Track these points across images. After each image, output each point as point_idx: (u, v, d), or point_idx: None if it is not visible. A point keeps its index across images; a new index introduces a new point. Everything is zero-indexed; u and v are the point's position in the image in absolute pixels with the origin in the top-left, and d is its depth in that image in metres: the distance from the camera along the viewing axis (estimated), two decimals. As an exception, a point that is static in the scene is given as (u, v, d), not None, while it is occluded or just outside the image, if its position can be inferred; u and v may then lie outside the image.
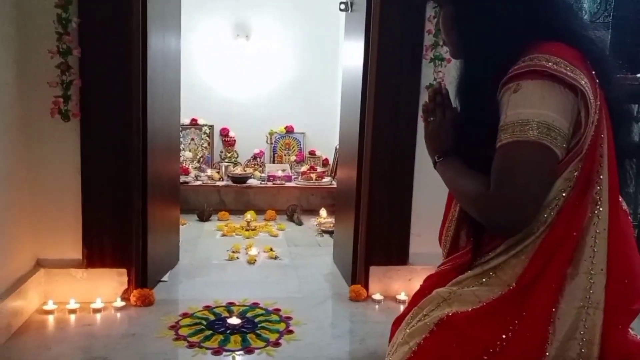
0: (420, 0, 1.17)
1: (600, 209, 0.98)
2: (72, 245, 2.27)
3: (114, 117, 2.20)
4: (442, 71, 2.34)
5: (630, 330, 1.07)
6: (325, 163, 4.68)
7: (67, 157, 2.20)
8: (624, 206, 1.06)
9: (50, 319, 2.15)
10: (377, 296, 2.44)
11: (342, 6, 2.78)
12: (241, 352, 1.92)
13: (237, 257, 3.02)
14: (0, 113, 1.95)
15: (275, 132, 4.69)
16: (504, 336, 0.96)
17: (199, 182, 4.12)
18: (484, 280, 1.03)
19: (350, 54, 2.74)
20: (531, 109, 0.94)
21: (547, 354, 0.95)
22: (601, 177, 0.99)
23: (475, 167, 1.05)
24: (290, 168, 4.55)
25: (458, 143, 1.13)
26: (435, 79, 2.35)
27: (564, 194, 0.97)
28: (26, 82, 2.10)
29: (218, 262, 2.96)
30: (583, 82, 0.94)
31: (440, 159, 1.15)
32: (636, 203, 2.02)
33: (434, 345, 1.01)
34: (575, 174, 0.97)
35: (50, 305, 2.20)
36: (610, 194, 0.99)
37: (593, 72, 0.99)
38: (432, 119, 1.17)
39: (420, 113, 2.29)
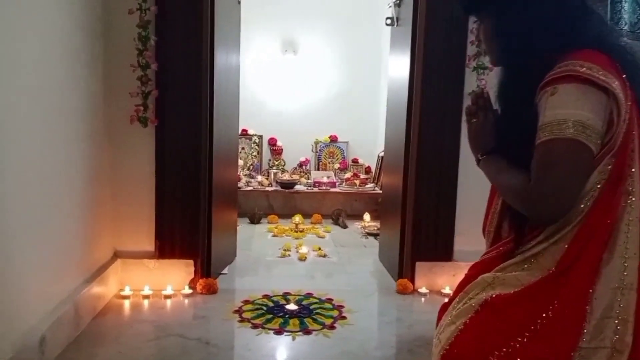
0: (462, 14, 1.31)
1: (633, 199, 1.04)
2: (146, 238, 2.52)
3: (186, 124, 2.45)
4: (484, 79, 2.49)
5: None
6: (367, 171, 4.85)
7: (143, 160, 2.46)
8: None
9: (127, 303, 2.39)
10: (423, 290, 2.58)
11: (389, 21, 2.97)
12: (300, 333, 2.10)
13: (289, 255, 3.22)
14: (88, 119, 2.22)
15: (320, 142, 4.91)
16: (544, 315, 1.01)
17: (249, 188, 4.37)
18: (525, 266, 1.08)
19: (396, 66, 2.92)
20: (567, 109, 1.02)
21: (585, 330, 1.00)
22: (633, 170, 1.05)
23: (516, 164, 1.12)
24: (335, 175, 4.75)
25: (499, 142, 1.21)
26: (478, 86, 2.51)
27: (598, 186, 1.03)
28: (110, 93, 2.38)
29: (271, 258, 3.17)
30: (614, 85, 1.01)
31: (483, 157, 1.23)
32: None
33: (478, 323, 1.07)
34: (608, 167, 1.03)
35: (126, 292, 2.44)
36: None
37: (624, 76, 1.06)
38: (474, 120, 1.25)
39: (463, 118, 2.43)
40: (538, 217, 1.08)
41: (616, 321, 1.01)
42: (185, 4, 2.40)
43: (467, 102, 2.49)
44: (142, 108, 2.37)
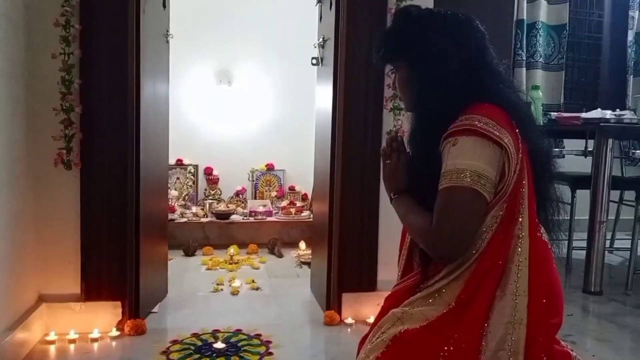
0: (379, 63, 1.45)
1: (522, 242, 1.15)
2: (72, 280, 2.47)
3: (111, 164, 2.44)
4: (400, 119, 2.65)
5: (560, 341, 1.24)
6: (304, 198, 4.94)
7: (68, 202, 2.43)
8: (545, 237, 1.24)
9: (52, 348, 2.34)
10: (349, 320, 2.67)
11: (314, 61, 3.10)
12: (226, 372, 2.15)
13: (222, 289, 3.23)
14: (11, 165, 2.19)
15: (257, 170, 4.96)
16: (446, 348, 1.11)
17: (184, 219, 4.35)
18: (430, 301, 1.19)
19: (322, 100, 3.04)
20: (465, 160, 1.13)
21: None
22: (522, 216, 1.16)
23: (424, 203, 1.22)
24: (271, 203, 4.81)
25: (410, 183, 1.33)
26: (394, 126, 2.66)
27: (492, 228, 1.15)
28: (33, 137, 2.35)
29: (203, 294, 3.17)
30: (506, 140, 1.14)
31: (395, 196, 1.35)
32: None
33: (389, 358, 1.15)
34: (500, 212, 1.15)
35: (51, 336, 2.38)
36: (530, 229, 1.16)
37: (517, 130, 1.20)
38: (388, 162, 1.37)
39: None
40: (438, 257, 1.21)
41: (508, 353, 1.10)
42: (110, 46, 2.41)
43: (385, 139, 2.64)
44: (65, 151, 2.37)
